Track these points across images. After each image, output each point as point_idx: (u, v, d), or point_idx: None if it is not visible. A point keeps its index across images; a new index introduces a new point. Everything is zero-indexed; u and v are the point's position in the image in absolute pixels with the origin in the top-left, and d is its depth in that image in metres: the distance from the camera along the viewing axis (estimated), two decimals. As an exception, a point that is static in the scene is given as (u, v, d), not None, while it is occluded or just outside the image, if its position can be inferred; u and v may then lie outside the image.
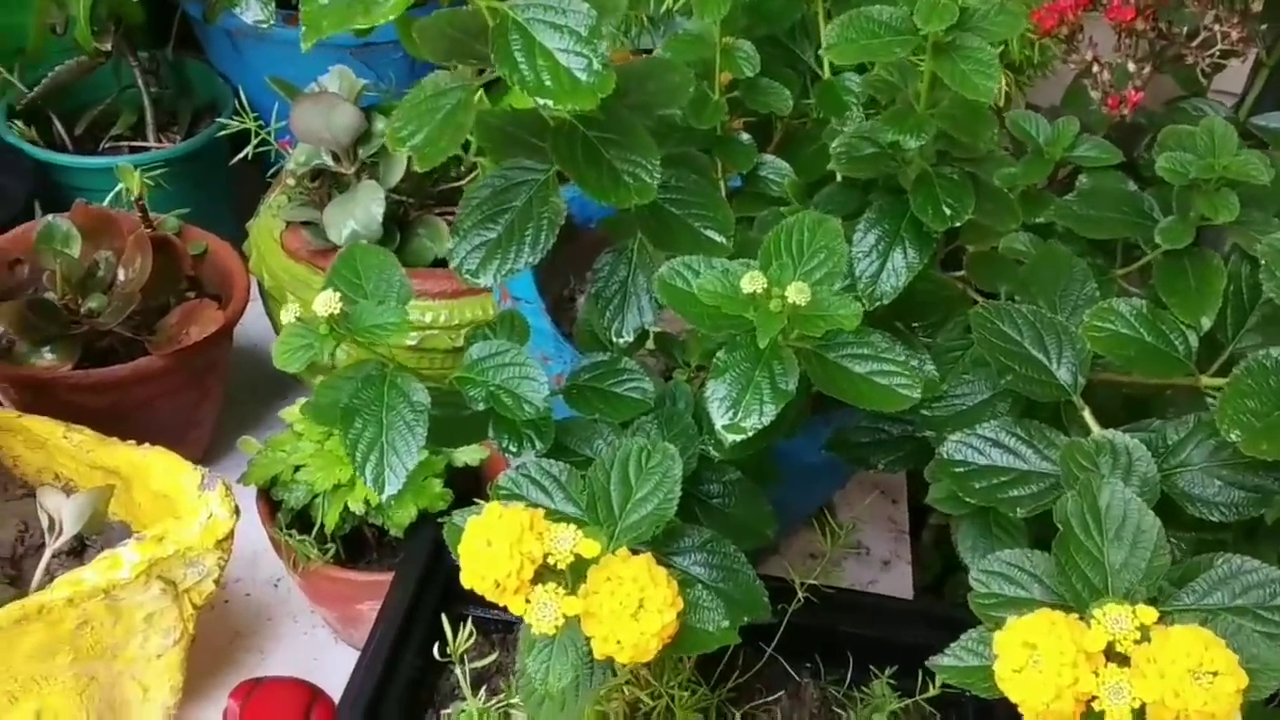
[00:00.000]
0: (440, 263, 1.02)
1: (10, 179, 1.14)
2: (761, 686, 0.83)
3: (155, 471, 0.79)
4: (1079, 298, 0.71)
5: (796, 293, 0.56)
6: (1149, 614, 0.49)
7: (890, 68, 0.68)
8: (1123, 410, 0.69)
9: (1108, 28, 0.88)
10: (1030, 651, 0.49)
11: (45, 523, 0.79)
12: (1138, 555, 0.56)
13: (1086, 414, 0.66)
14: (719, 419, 0.58)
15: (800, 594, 0.78)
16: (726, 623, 0.57)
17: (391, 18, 0.54)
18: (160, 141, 1.23)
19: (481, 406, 0.68)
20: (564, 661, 0.54)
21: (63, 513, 0.77)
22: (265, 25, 1.03)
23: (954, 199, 0.66)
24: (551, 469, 0.66)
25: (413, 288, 0.98)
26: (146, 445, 0.83)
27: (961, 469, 0.66)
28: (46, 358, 0.95)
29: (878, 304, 0.68)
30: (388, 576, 0.85)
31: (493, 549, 0.52)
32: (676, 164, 0.73)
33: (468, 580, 0.53)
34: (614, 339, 0.74)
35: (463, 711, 0.73)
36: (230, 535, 0.77)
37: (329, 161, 0.98)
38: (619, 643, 0.51)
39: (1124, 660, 0.49)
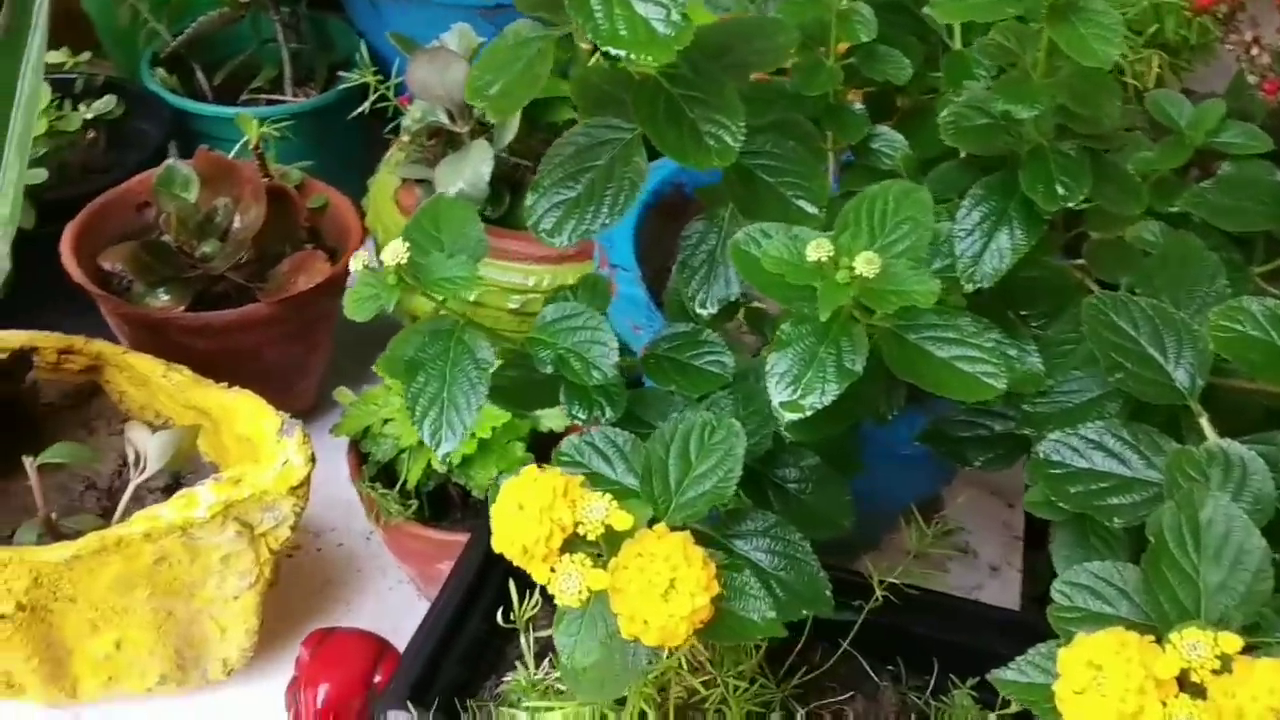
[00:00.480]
0: (549, 227, 1.00)
1: (149, 125, 1.17)
2: (835, 685, 0.79)
3: (240, 414, 0.80)
4: (1208, 294, 0.64)
5: (865, 263, 0.52)
6: (1232, 642, 0.43)
7: (1007, 31, 0.63)
8: (1246, 420, 0.63)
9: (1272, 7, 0.81)
10: (1095, 673, 0.44)
11: (131, 457, 0.80)
12: (1237, 578, 0.50)
13: (1203, 421, 0.60)
14: (777, 395, 0.54)
15: (879, 592, 0.74)
16: (772, 613, 0.53)
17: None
18: (296, 95, 1.25)
19: (550, 369, 0.66)
20: (592, 638, 0.52)
21: (148, 448, 0.78)
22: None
23: (1069, 177, 0.61)
24: (616, 438, 0.64)
25: (518, 251, 0.99)
26: (236, 388, 0.83)
27: (1058, 471, 0.60)
28: (161, 299, 0.97)
29: (977, 287, 0.63)
30: (462, 537, 0.84)
31: (523, 513, 0.49)
32: (777, 130, 0.70)
33: (498, 544, 0.51)
34: (697, 310, 0.71)
35: (517, 680, 0.71)
36: (305, 483, 0.77)
37: (443, 119, 0.97)
38: (646, 623, 0.48)
39: (1200, 692, 0.44)
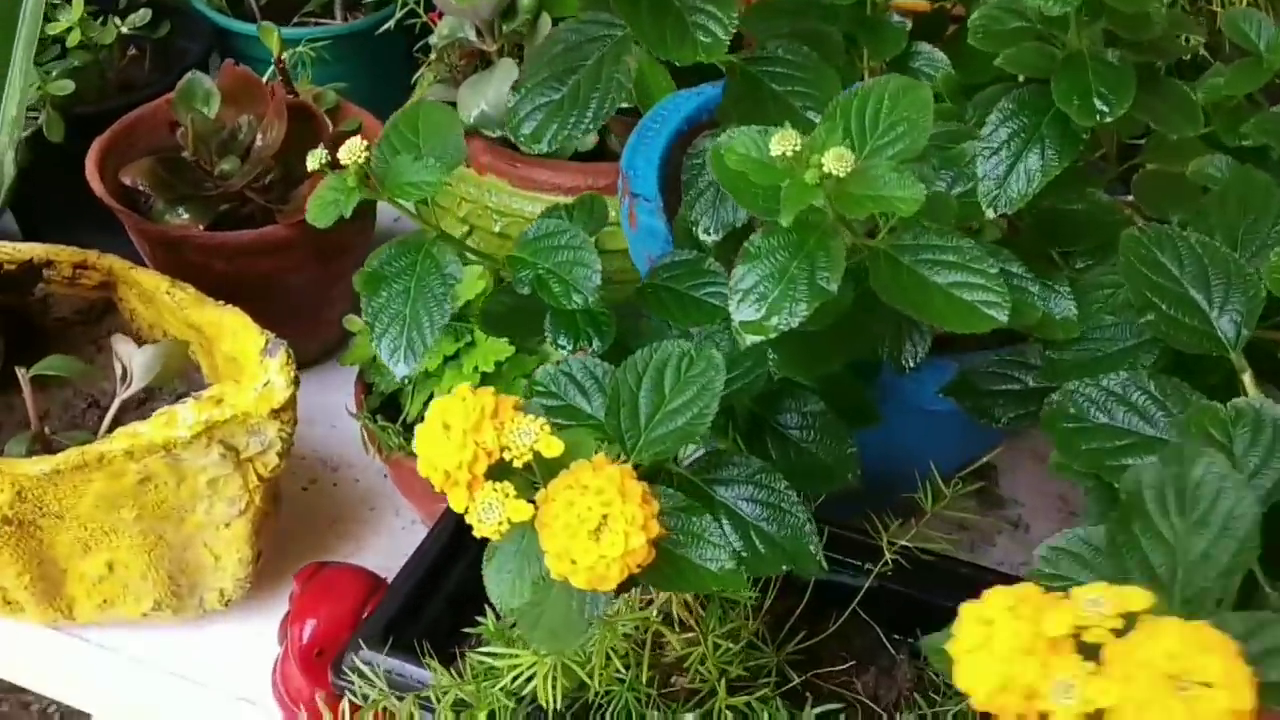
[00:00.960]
0: (578, 155, 0.95)
1: (193, 43, 1.15)
2: (846, 654, 0.73)
3: (226, 332, 0.77)
4: (1269, 235, 0.56)
5: (836, 160, 0.45)
6: (1140, 598, 0.36)
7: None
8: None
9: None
10: (986, 630, 0.37)
11: (118, 371, 0.77)
12: (1222, 546, 0.43)
13: (1247, 378, 0.52)
14: (739, 313, 0.48)
15: (888, 555, 0.67)
16: (731, 563, 0.48)
17: None
18: (346, 20, 1.21)
19: (527, 290, 0.61)
20: (524, 578, 0.46)
21: (133, 362, 0.75)
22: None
23: (1109, 89, 0.53)
24: (595, 369, 0.59)
25: (546, 180, 0.93)
26: (228, 306, 0.80)
27: (1072, 424, 0.53)
28: (181, 216, 0.95)
29: (1001, 213, 0.56)
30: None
31: (448, 434, 0.45)
32: (795, 37, 0.63)
33: (422, 468, 0.46)
34: (701, 235, 0.65)
35: (486, 626, 0.66)
36: (287, 406, 0.73)
37: (471, 36, 0.92)
38: (574, 562, 0.43)
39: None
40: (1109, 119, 0.53)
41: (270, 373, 0.72)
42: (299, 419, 0.99)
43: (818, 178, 0.46)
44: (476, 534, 0.44)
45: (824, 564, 0.58)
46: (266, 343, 0.73)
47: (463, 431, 0.44)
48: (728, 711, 0.62)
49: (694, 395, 0.53)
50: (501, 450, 0.44)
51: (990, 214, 0.55)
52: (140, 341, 0.90)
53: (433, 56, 0.94)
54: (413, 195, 0.57)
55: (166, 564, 0.81)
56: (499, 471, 0.46)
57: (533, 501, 0.45)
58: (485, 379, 0.82)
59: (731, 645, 0.64)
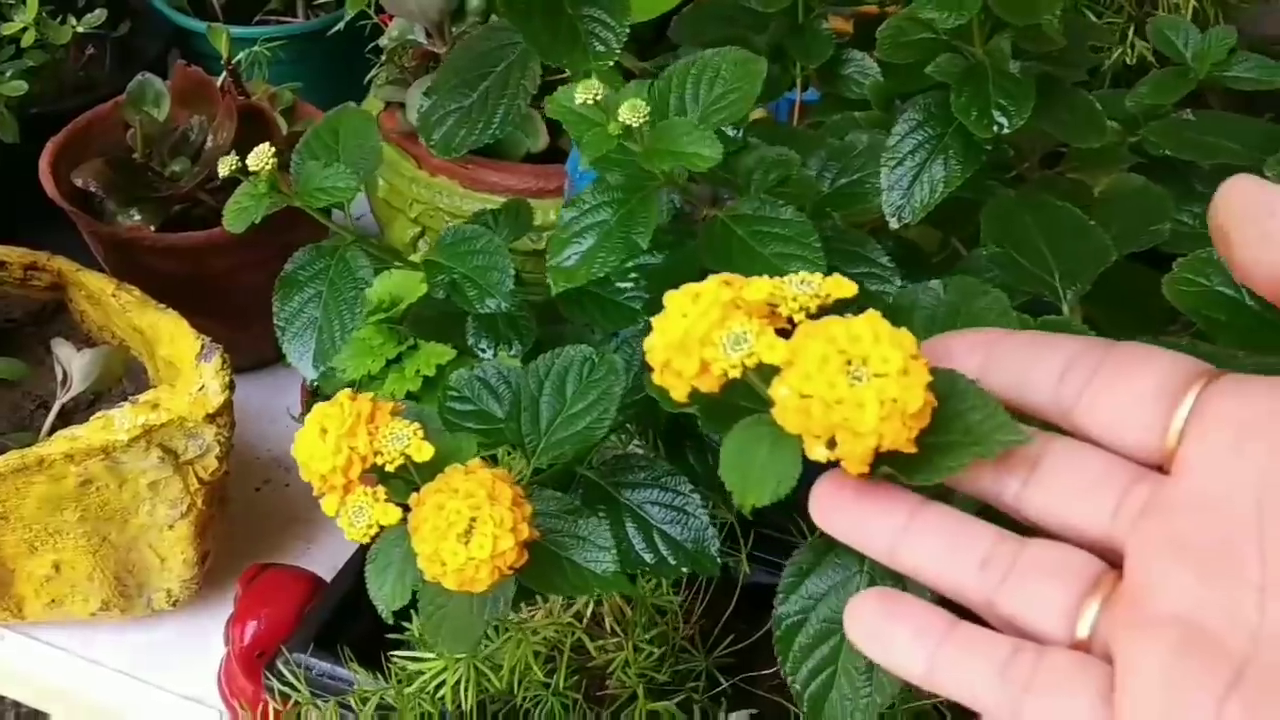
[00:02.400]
0: (531, 157, 0.95)
1: (151, 42, 1.15)
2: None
3: (164, 337, 0.77)
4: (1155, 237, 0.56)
5: (630, 111, 0.46)
6: (846, 287, 0.36)
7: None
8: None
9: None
10: (694, 298, 0.35)
11: (59, 375, 0.78)
12: None
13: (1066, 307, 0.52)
14: (555, 258, 0.49)
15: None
16: (614, 566, 0.48)
17: None
18: (308, 18, 1.21)
19: (442, 295, 0.61)
20: (404, 581, 0.47)
21: (72, 366, 0.76)
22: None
23: (1009, 101, 0.53)
24: (508, 374, 0.59)
25: (497, 183, 0.94)
26: (166, 309, 0.80)
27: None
28: (134, 218, 0.95)
29: (904, 224, 0.56)
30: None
31: (324, 439, 0.45)
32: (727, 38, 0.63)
33: (304, 473, 0.46)
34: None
35: (411, 631, 0.67)
36: (223, 411, 0.73)
37: (421, 38, 0.92)
38: (443, 565, 0.43)
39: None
40: (1007, 130, 0.53)
41: (205, 377, 0.73)
42: (252, 418, 1.00)
43: (619, 129, 0.46)
44: (348, 538, 0.45)
45: (746, 570, 0.59)
46: (202, 347, 0.74)
47: (338, 436, 0.45)
48: (647, 716, 0.63)
49: (594, 400, 0.53)
50: (375, 455, 0.45)
51: (894, 224, 0.55)
52: (90, 343, 0.91)
53: (384, 58, 0.94)
54: (324, 201, 0.57)
55: (112, 565, 0.82)
56: (381, 477, 0.46)
57: (406, 505, 0.45)
58: (427, 382, 0.82)
59: (656, 650, 0.65)
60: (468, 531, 0.43)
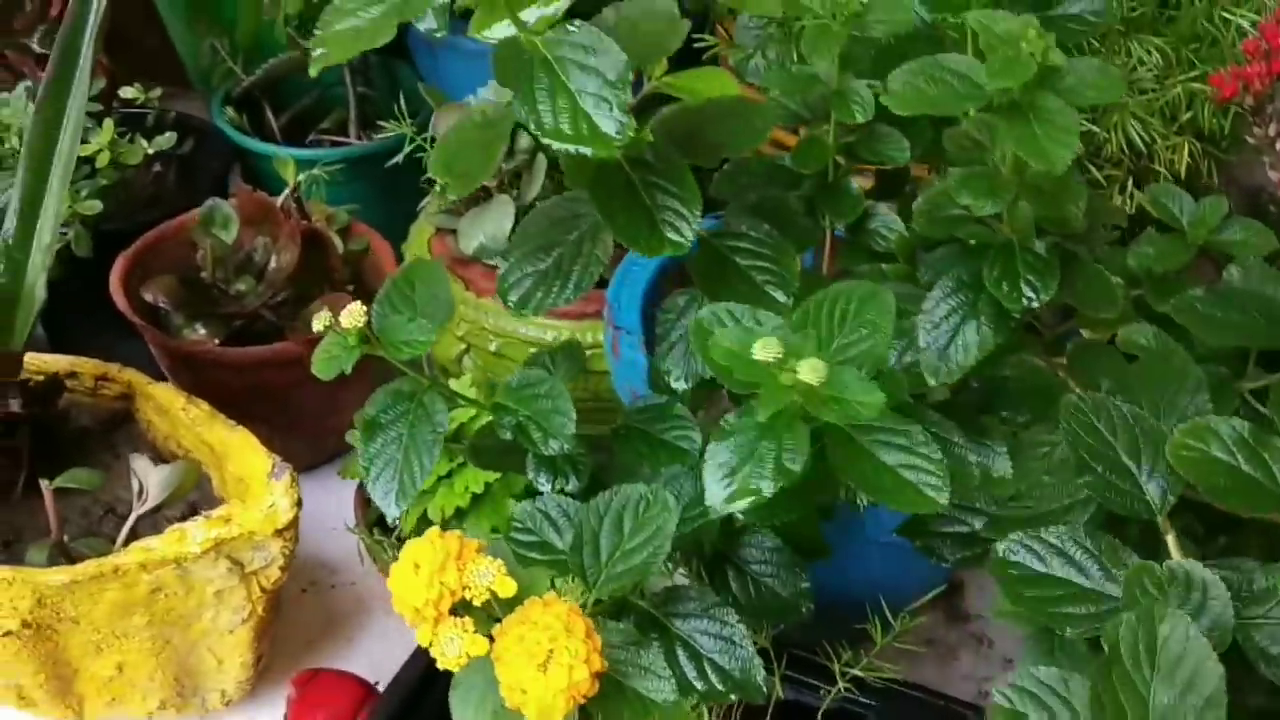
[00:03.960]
0: (573, 283, 1.01)
1: (216, 162, 1.22)
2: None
3: (234, 453, 0.82)
4: (1189, 408, 0.62)
5: (810, 370, 0.51)
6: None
7: (977, 123, 0.62)
8: (1213, 536, 0.60)
9: (1307, 99, 0.78)
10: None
11: (135, 487, 0.83)
12: (1189, 701, 0.48)
13: (1170, 539, 0.58)
14: (712, 487, 0.54)
15: (841, 684, 0.72)
16: (674, 695, 0.53)
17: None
18: (360, 139, 1.28)
19: (509, 436, 0.67)
20: (484, 707, 0.52)
21: (149, 480, 0.81)
22: (438, 34, 1.05)
23: (1036, 276, 0.59)
24: (569, 507, 0.65)
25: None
26: (235, 426, 0.86)
27: (1016, 573, 0.59)
28: (198, 332, 1.01)
29: (943, 382, 0.62)
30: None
31: (417, 574, 0.50)
32: (756, 211, 0.70)
33: (396, 604, 0.52)
34: (671, 383, 0.71)
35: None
36: (290, 526, 0.79)
37: (473, 172, 0.99)
38: (524, 693, 0.48)
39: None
40: (1035, 304, 0.59)
41: (276, 495, 0.78)
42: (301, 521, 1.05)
43: (793, 381, 0.52)
44: (440, 666, 0.50)
45: (779, 692, 0.63)
46: (273, 466, 0.79)
47: (430, 572, 0.50)
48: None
49: (649, 536, 0.59)
50: (464, 589, 0.50)
51: (933, 382, 0.61)
52: (155, 451, 0.96)
53: (436, 189, 1.01)
54: (405, 354, 0.63)
55: (173, 666, 0.87)
56: (465, 607, 0.51)
57: (491, 636, 0.50)
58: (475, 498, 0.88)
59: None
60: (546, 662, 0.48)
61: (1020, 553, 0.60)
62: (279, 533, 0.78)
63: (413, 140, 1.01)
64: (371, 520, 0.90)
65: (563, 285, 0.64)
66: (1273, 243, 0.68)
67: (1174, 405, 0.63)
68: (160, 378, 0.99)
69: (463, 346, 1.03)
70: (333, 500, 1.05)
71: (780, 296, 0.65)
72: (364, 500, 0.91)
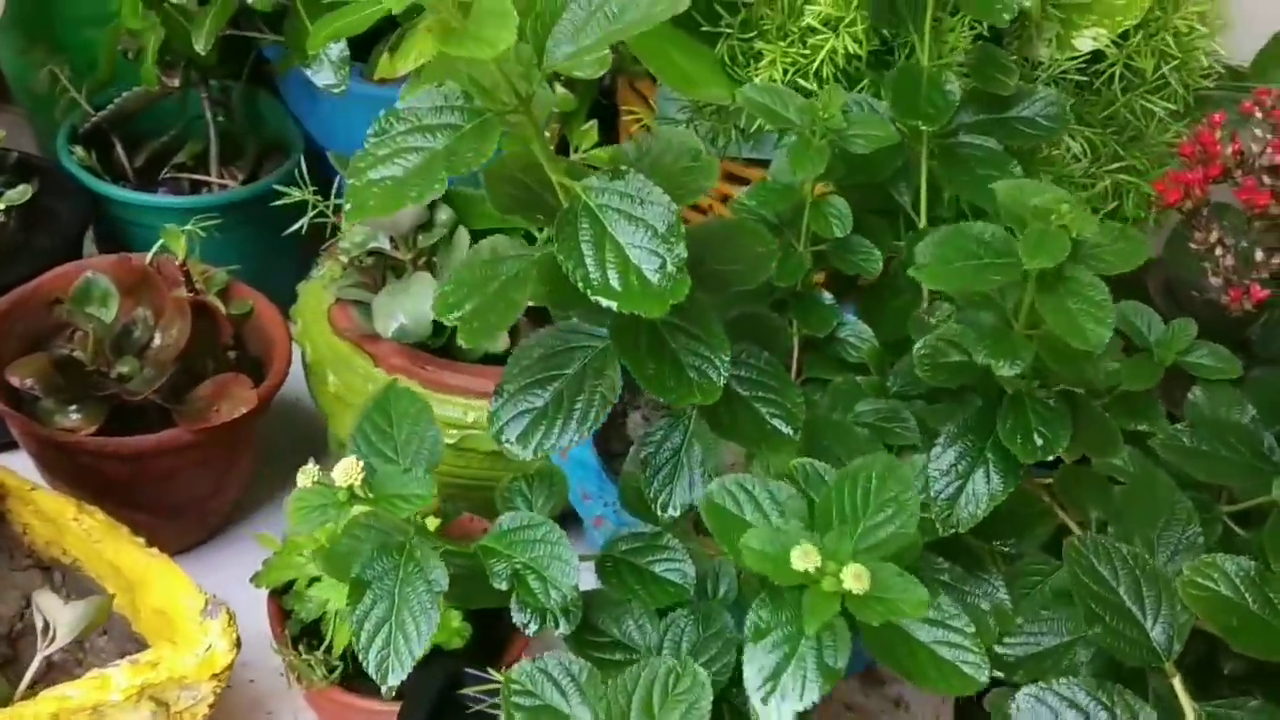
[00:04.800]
0: (489, 359, 0.96)
1: (62, 205, 1.10)
2: None
3: (156, 585, 0.75)
4: (1180, 540, 0.63)
5: (855, 579, 0.49)
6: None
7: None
8: (1221, 678, 0.62)
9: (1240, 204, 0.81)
10: None
11: (40, 624, 0.74)
12: None
13: (1176, 683, 0.59)
14: (756, 695, 0.51)
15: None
16: None
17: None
18: (222, 176, 1.18)
19: (505, 586, 0.62)
20: None
21: (58, 619, 0.73)
22: (338, 90, 0.98)
23: (1048, 429, 0.59)
24: (571, 668, 0.61)
25: (457, 385, 0.95)
26: (154, 551, 0.78)
27: (1029, 725, 0.59)
28: (72, 418, 0.91)
29: (952, 531, 0.61)
30: (392, 708, 0.80)
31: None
32: (746, 333, 0.67)
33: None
34: (659, 511, 0.68)
35: None
36: (229, 668, 0.72)
37: (385, 245, 0.92)
38: None
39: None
40: (1048, 456, 0.59)
41: (212, 636, 0.71)
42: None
43: (835, 586, 0.50)
44: None
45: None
46: (206, 603, 0.72)
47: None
48: None
49: (682, 714, 0.56)
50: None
51: (945, 532, 0.60)
52: (35, 557, 0.86)
53: (344, 259, 0.94)
54: (403, 510, 0.58)
55: (72, 807, 0.78)
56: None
57: None
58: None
59: None
60: None
61: (1037, 710, 0.60)
62: (216, 675, 0.71)
63: (315, 207, 0.93)
64: (293, 634, 0.83)
65: (565, 422, 0.60)
66: (1238, 369, 0.70)
67: (1165, 537, 0.64)
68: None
69: (371, 426, 0.97)
70: (219, 578, 0.97)
71: (785, 429, 0.63)
72: (281, 611, 0.84)
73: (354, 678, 0.85)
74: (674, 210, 0.51)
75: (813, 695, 0.50)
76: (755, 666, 0.51)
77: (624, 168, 0.52)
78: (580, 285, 0.51)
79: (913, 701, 1.04)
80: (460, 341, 0.55)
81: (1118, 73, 0.90)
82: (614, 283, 0.51)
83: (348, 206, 0.49)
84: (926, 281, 0.56)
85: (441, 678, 0.81)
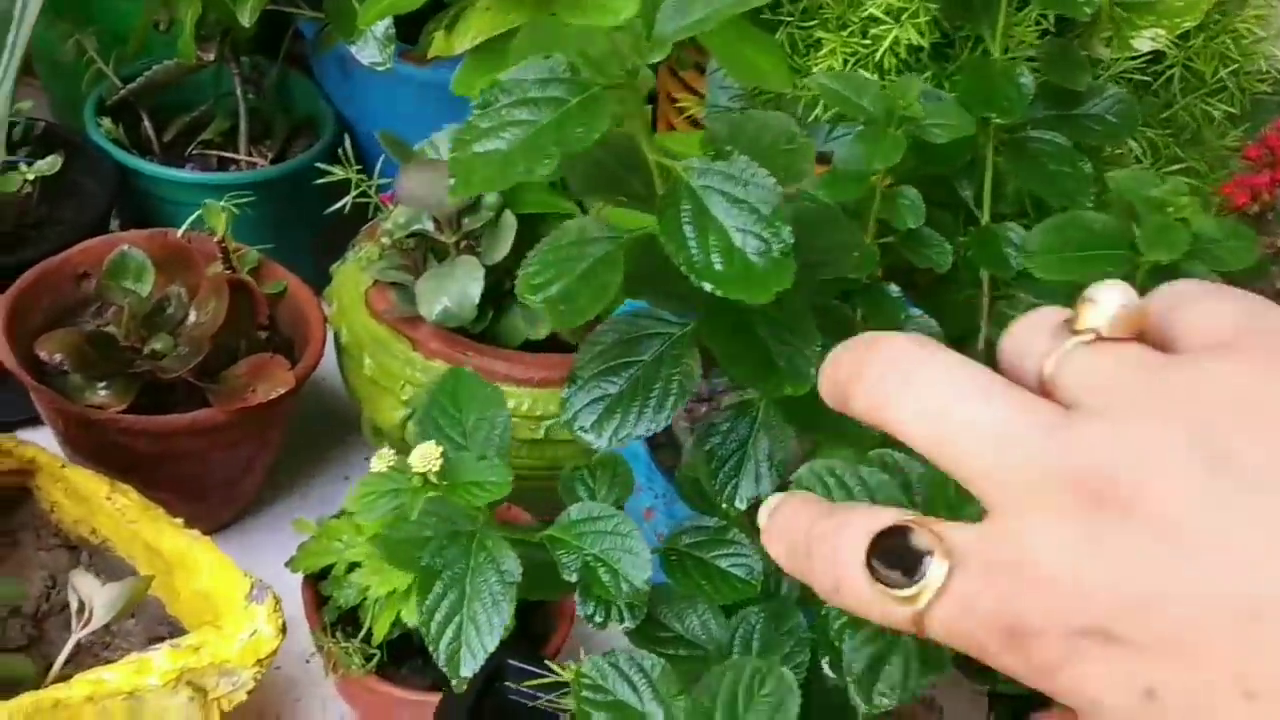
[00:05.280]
0: (530, 345, 0.94)
1: (89, 179, 1.08)
2: None
3: (199, 568, 0.73)
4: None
5: None
6: None
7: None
8: None
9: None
10: None
11: (74, 605, 0.72)
12: None
13: None
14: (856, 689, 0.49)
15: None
16: None
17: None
18: (251, 154, 1.16)
19: (574, 578, 0.61)
20: None
21: (94, 601, 0.70)
22: (383, 67, 0.96)
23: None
24: (644, 662, 0.59)
25: (501, 372, 0.93)
26: (194, 533, 0.76)
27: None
28: (100, 394, 0.89)
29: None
30: (432, 697, 0.78)
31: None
32: (816, 324, 0.66)
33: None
34: (724, 504, 0.66)
35: None
36: (273, 654, 0.70)
37: (430, 227, 0.90)
38: None
39: None
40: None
41: (259, 621, 0.69)
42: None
43: None
44: None
45: None
46: (251, 587, 0.70)
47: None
48: None
49: (768, 718, 0.54)
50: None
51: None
52: (62, 536, 0.84)
53: (386, 240, 0.92)
54: (480, 499, 0.56)
55: (97, 793, 0.76)
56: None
57: None
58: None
59: None
60: None
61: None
62: (259, 661, 0.69)
63: (358, 187, 0.91)
64: (331, 619, 0.81)
65: (640, 410, 0.58)
66: None
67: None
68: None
69: (406, 411, 0.95)
70: (246, 561, 0.95)
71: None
72: (317, 597, 0.82)
73: (388, 666, 0.83)
74: (778, 193, 0.50)
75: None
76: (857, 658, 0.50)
77: (728, 148, 0.50)
78: (684, 268, 0.49)
79: (946, 704, 1.03)
80: (551, 324, 0.52)
81: (1177, 74, 0.89)
82: (717, 266, 0.49)
83: (452, 180, 0.47)
84: (1036, 270, 0.55)
85: (481, 675, 0.79)
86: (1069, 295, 0.31)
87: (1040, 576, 0.27)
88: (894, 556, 0.30)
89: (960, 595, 0.29)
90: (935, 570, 0.29)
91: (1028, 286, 0.75)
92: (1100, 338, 0.29)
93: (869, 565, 0.30)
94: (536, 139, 0.46)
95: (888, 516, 0.31)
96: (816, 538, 0.31)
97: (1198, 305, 0.30)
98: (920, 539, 0.29)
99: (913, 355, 0.31)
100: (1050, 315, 0.31)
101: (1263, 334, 0.28)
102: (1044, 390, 0.30)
